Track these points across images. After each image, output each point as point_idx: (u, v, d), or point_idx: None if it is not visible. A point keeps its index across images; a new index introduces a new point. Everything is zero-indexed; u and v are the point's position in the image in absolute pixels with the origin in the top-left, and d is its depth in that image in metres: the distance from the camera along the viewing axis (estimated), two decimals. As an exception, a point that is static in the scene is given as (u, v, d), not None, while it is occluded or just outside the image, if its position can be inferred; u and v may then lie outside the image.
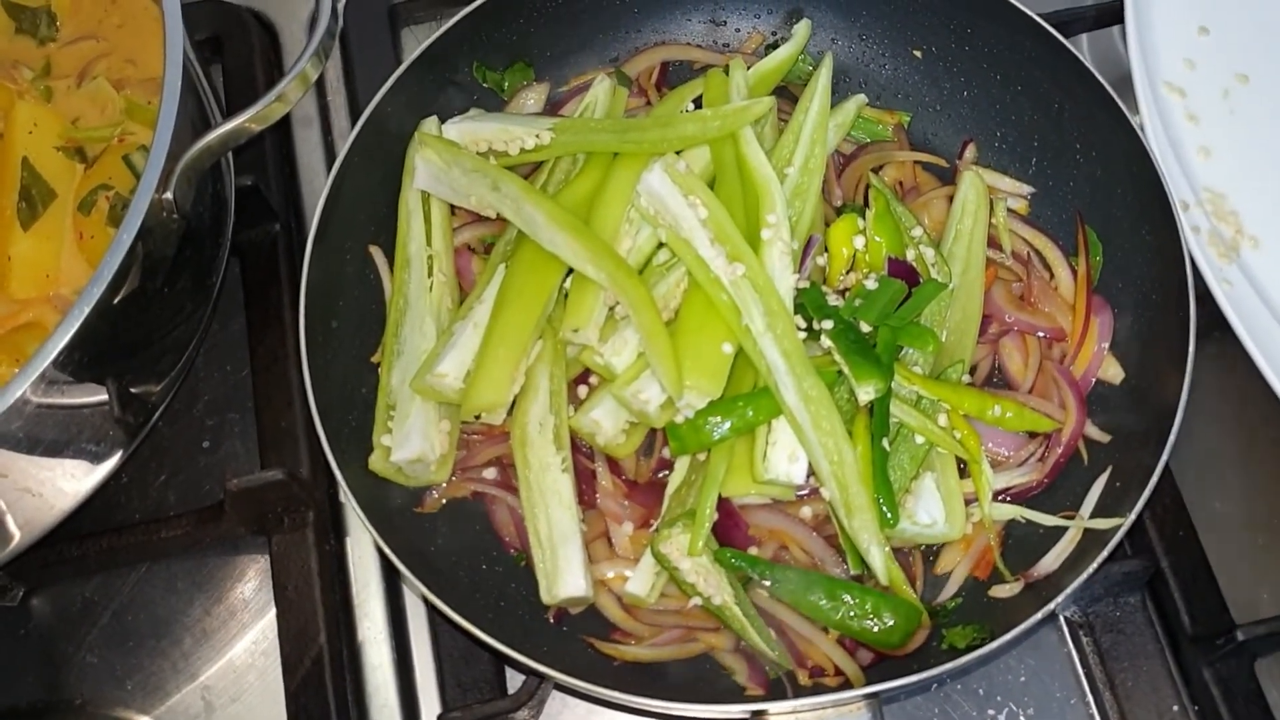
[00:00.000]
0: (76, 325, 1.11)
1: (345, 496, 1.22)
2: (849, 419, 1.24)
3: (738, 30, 1.56)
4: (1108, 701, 1.31)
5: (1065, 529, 1.25)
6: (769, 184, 1.30)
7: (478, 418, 1.30)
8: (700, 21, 1.56)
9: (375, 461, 1.28)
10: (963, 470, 1.29)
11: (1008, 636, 1.14)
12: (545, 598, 1.24)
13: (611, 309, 1.30)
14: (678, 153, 1.35)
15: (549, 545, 1.25)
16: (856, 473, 1.20)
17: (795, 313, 1.27)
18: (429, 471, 1.29)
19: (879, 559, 1.19)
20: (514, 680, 1.33)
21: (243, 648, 1.41)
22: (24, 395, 1.10)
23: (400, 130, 1.41)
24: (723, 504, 1.24)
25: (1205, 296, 1.32)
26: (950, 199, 1.42)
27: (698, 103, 1.43)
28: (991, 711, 1.33)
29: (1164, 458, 1.20)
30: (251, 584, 1.43)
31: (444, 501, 1.32)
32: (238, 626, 1.41)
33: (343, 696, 1.32)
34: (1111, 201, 1.38)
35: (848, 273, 1.36)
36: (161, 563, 1.43)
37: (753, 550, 1.25)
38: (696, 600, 1.23)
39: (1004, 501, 1.30)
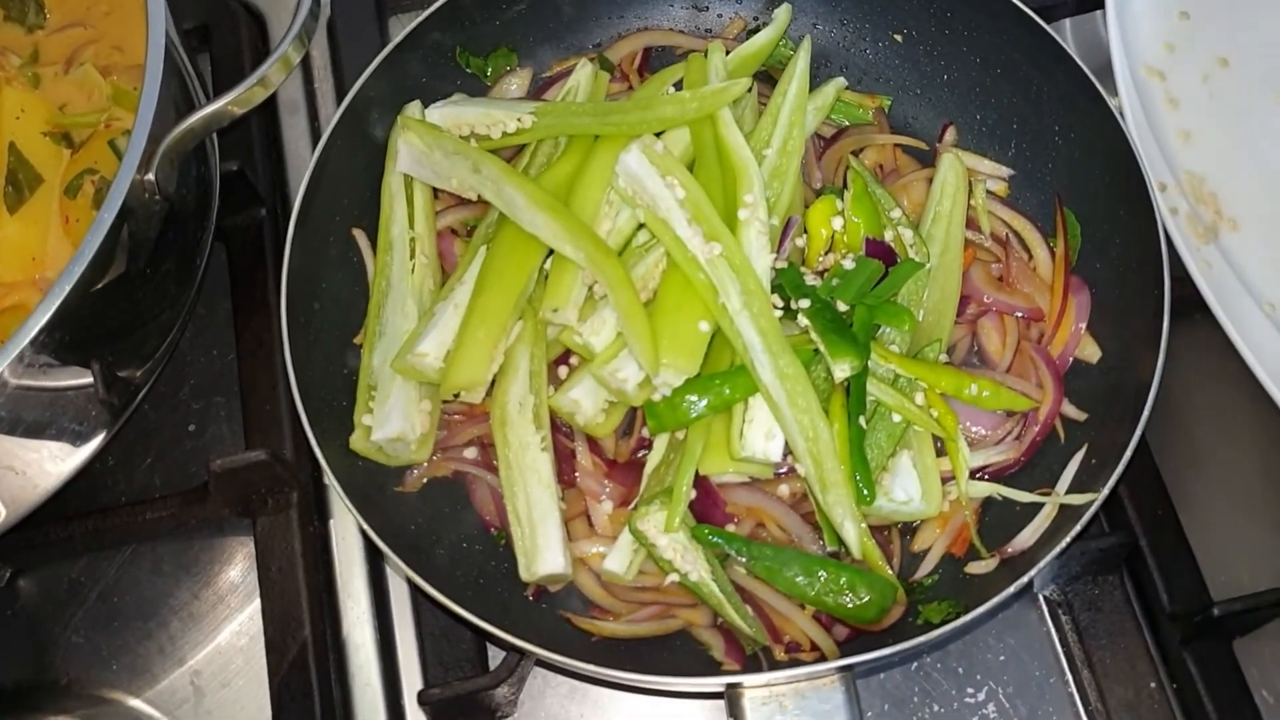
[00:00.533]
0: (55, 305, 1.12)
1: (326, 476, 1.23)
2: (825, 397, 1.25)
3: (720, 15, 1.57)
4: (1086, 679, 1.32)
5: (1041, 505, 1.25)
6: (746, 165, 1.31)
7: (457, 397, 1.30)
8: (683, 7, 1.57)
9: (356, 441, 1.29)
10: (940, 448, 1.29)
11: (981, 609, 1.14)
12: (524, 575, 1.25)
13: (591, 289, 1.30)
14: (659, 136, 1.36)
15: (528, 523, 1.25)
16: (832, 449, 1.21)
17: (773, 292, 1.28)
18: (409, 451, 1.30)
19: (853, 533, 1.20)
20: (495, 659, 1.34)
21: (230, 631, 1.41)
22: (2, 375, 1.11)
23: (383, 114, 1.42)
24: (701, 482, 1.25)
25: (1185, 278, 1.33)
26: (930, 181, 1.43)
27: (679, 87, 1.44)
28: (971, 690, 1.34)
29: (1138, 434, 1.20)
30: (239, 567, 1.44)
31: (425, 481, 1.33)
32: (226, 611, 1.42)
33: (326, 677, 1.32)
34: (1090, 183, 1.39)
35: (826, 254, 1.36)
36: (148, 545, 1.44)
37: (730, 528, 1.25)
38: (674, 577, 1.23)
39: (981, 479, 1.30)
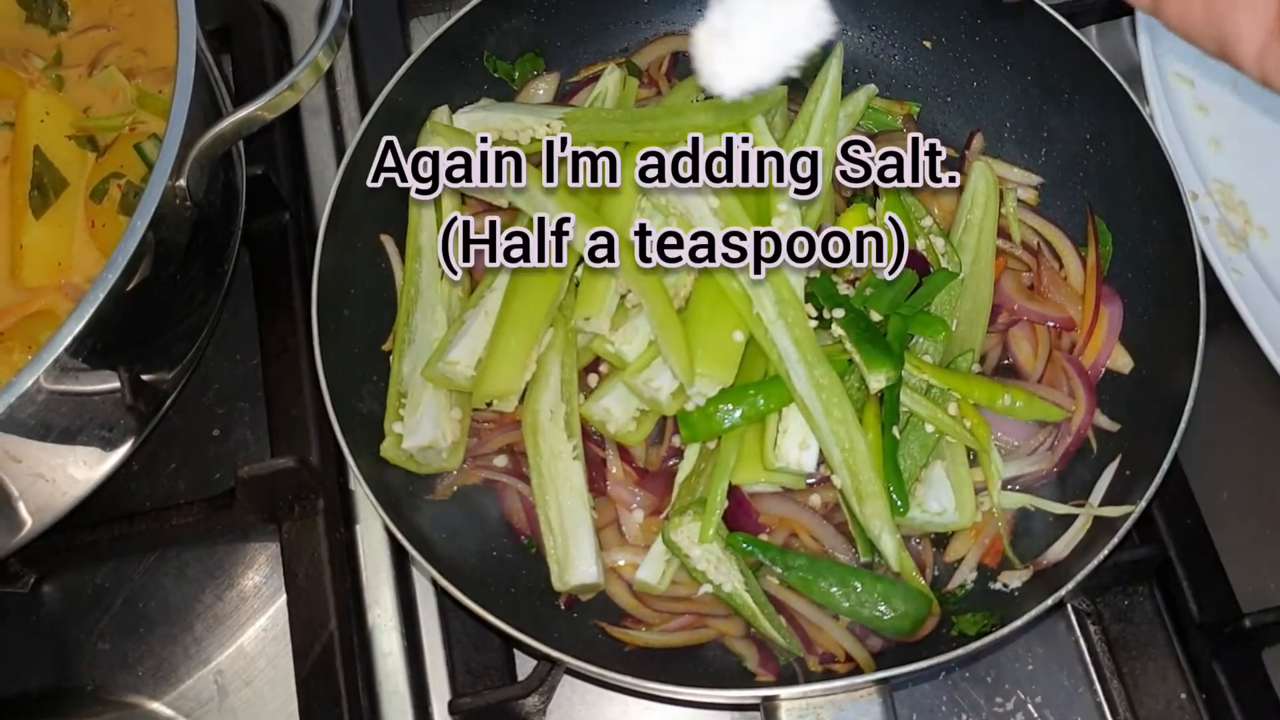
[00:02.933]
0: (90, 312, 1.11)
1: (357, 484, 1.23)
2: (859, 407, 1.24)
3: (747, 20, 1.56)
4: (1115, 690, 1.32)
5: (1074, 517, 1.25)
6: (780, 173, 1.31)
7: (489, 405, 1.30)
8: (710, 11, 1.56)
9: (387, 449, 1.28)
10: (972, 459, 1.29)
11: (1017, 623, 1.14)
12: (556, 584, 1.25)
13: (623, 297, 1.30)
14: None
15: (560, 532, 1.25)
16: (868, 460, 1.20)
17: (806, 301, 1.28)
18: (440, 459, 1.29)
19: (891, 545, 1.19)
20: (524, 667, 1.33)
21: (254, 634, 1.41)
22: (37, 382, 1.10)
23: (411, 119, 1.41)
24: (733, 491, 1.24)
25: (1215, 286, 1.32)
26: (960, 189, 1.42)
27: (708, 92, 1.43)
28: (999, 699, 1.34)
29: (1174, 446, 1.20)
30: (262, 571, 1.44)
31: (455, 489, 1.32)
32: (249, 613, 1.42)
33: (353, 683, 1.32)
34: (1121, 192, 1.38)
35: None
36: (172, 550, 1.44)
37: (762, 537, 1.25)
38: (707, 587, 1.23)
39: (1013, 490, 1.30)
